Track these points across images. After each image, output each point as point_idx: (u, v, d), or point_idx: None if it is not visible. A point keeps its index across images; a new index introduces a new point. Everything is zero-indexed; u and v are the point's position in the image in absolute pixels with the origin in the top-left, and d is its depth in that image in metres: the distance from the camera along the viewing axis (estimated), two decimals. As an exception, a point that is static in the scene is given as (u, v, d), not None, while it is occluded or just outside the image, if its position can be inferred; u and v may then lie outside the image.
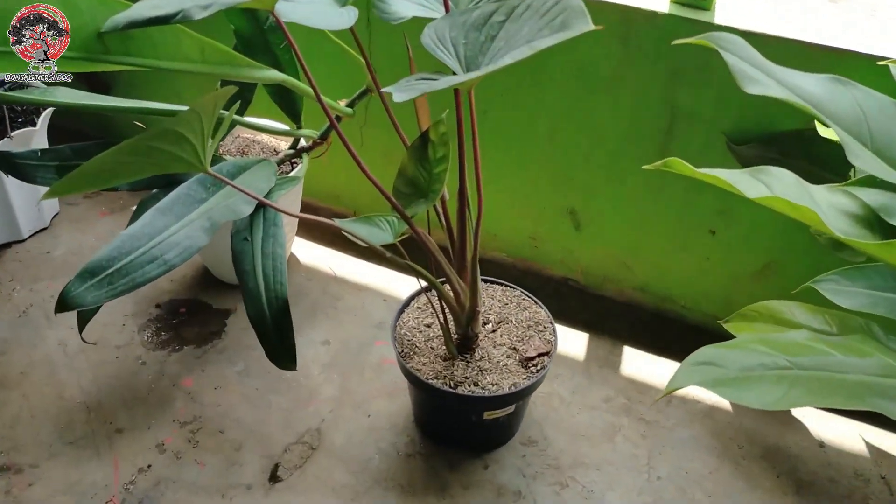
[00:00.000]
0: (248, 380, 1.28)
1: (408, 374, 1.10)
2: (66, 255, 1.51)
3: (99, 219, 1.62)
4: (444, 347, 1.13)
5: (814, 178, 0.77)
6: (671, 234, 1.35)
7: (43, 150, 1.14)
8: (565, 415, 1.25)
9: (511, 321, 1.18)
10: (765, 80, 0.69)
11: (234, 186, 0.95)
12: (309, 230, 1.62)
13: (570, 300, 1.48)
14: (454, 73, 0.79)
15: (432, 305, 1.10)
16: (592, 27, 0.63)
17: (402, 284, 1.50)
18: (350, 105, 1.27)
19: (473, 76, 0.71)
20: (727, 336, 1.43)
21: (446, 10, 0.89)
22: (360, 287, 1.49)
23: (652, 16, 1.14)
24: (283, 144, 1.46)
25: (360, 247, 1.59)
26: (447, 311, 1.10)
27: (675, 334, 1.42)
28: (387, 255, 0.98)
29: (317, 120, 1.31)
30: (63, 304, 0.91)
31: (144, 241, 1.01)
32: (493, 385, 1.07)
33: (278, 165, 1.36)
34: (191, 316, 1.39)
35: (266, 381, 1.27)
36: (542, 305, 1.20)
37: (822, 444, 1.22)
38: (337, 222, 1.02)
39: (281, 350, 1.08)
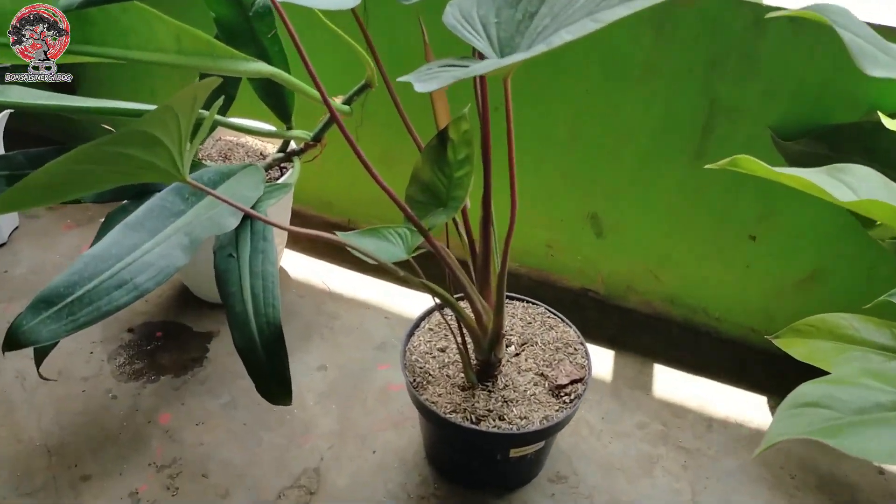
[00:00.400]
0: (234, 413, 1.12)
1: (421, 408, 0.96)
2: (26, 275, 1.35)
3: (63, 233, 1.46)
4: (461, 375, 0.99)
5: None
6: (706, 241, 1.22)
7: (-8, 157, 0.98)
8: (596, 445, 1.11)
9: (537, 343, 1.04)
10: (887, 61, 0.56)
11: (216, 197, 0.80)
12: (299, 240, 1.47)
13: (590, 312, 1.34)
14: (484, 58, 0.65)
15: (449, 328, 0.96)
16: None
17: (405, 300, 1.36)
18: (347, 102, 1.12)
19: (515, 59, 0.57)
20: (767, 350, 1.30)
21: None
22: (358, 303, 1.34)
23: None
24: (271, 147, 1.31)
25: (357, 258, 1.45)
26: (465, 333, 0.96)
27: (710, 349, 1.29)
28: (400, 273, 0.84)
29: (307, 120, 1.17)
30: (12, 341, 0.75)
31: (111, 263, 0.86)
32: (521, 419, 0.93)
33: (266, 171, 1.21)
34: (168, 340, 1.24)
35: (255, 414, 1.12)
36: (570, 324, 1.06)
37: (881, 472, 1.10)
38: (340, 236, 0.87)
39: (273, 384, 0.93)
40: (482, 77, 0.76)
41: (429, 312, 1.08)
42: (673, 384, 1.22)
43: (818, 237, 1.14)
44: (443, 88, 0.84)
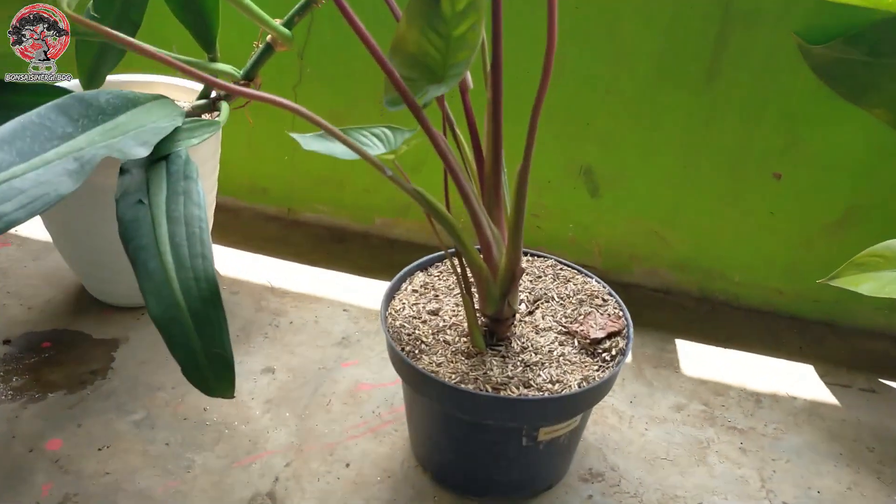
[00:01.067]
0: (152, 433, 0.83)
1: (416, 382, 0.70)
2: None
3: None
4: (463, 339, 0.74)
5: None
6: (722, 186, 1.03)
7: None
8: (631, 434, 0.87)
9: (553, 298, 0.81)
10: None
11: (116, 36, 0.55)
12: (229, 233, 1.21)
13: (589, 293, 1.12)
14: None
15: (454, 270, 0.72)
16: None
17: (367, 291, 1.11)
18: (286, 25, 0.90)
19: None
20: (798, 316, 1.09)
21: None
22: (308, 298, 1.08)
23: None
24: (186, 100, 1.06)
25: (304, 249, 1.20)
26: (470, 277, 0.72)
27: (734, 319, 1.10)
28: (388, 172, 0.60)
29: (233, 55, 0.93)
30: None
31: (-43, 183, 0.59)
32: (552, 383, 0.69)
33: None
34: (60, 352, 0.93)
35: (181, 431, 0.83)
36: (590, 274, 0.84)
37: (967, 435, 0.91)
38: (299, 138, 0.64)
39: (208, 364, 0.67)
40: None
41: (410, 272, 0.84)
42: (703, 359, 1.01)
43: (853, 167, 0.98)
44: None
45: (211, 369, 0.67)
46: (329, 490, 0.77)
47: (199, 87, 1.04)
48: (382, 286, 1.11)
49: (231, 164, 1.13)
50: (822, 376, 1.00)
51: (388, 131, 0.68)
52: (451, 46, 0.60)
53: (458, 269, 0.72)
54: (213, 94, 0.97)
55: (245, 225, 1.25)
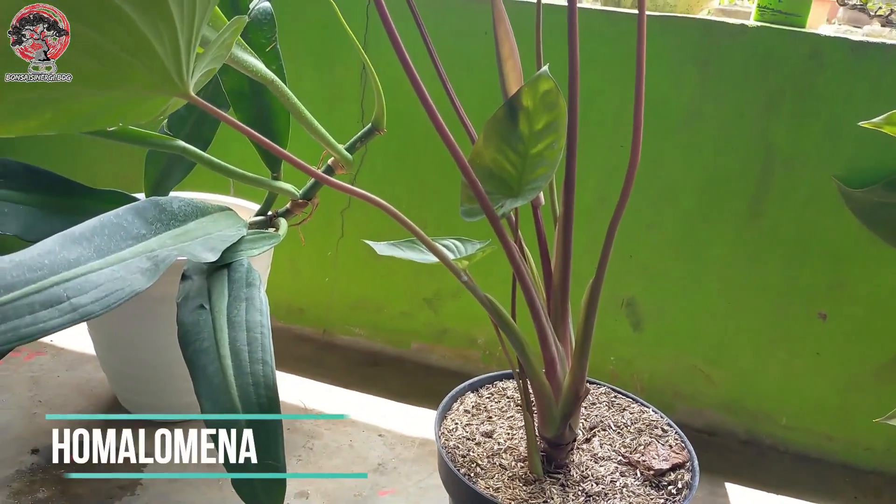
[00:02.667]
0: None
1: (473, 508, 0.67)
2: None
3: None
4: (520, 464, 0.71)
5: None
6: (766, 323, 1.03)
7: None
8: (689, 582, 0.81)
9: (609, 426, 0.78)
10: None
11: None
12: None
13: (630, 430, 1.09)
14: None
15: (519, 385, 0.71)
16: None
17: (403, 417, 1.07)
18: (349, 150, 0.94)
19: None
20: (850, 464, 1.05)
21: None
22: (342, 422, 1.05)
23: (740, 31, 0.93)
24: (244, 214, 1.08)
25: (338, 371, 1.18)
26: (531, 397, 0.70)
27: (782, 465, 1.05)
28: (464, 277, 0.61)
29: (289, 176, 0.97)
30: None
31: (42, 275, 0.60)
32: (618, 516, 0.65)
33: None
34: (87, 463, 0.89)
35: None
36: (646, 403, 0.82)
37: None
38: (374, 246, 0.65)
39: (260, 480, 0.65)
40: (572, 15, 0.60)
41: (461, 392, 0.82)
42: (756, 504, 0.96)
43: (899, 309, 0.98)
44: (514, 45, 0.69)
45: (261, 481, 0.64)
46: None
47: (253, 207, 1.08)
48: (418, 412, 1.09)
49: (271, 283, 1.14)
50: (883, 529, 0.94)
51: (458, 243, 0.69)
52: (527, 163, 0.63)
53: (521, 385, 0.70)
54: (270, 212, 0.99)
55: (280, 344, 1.23)
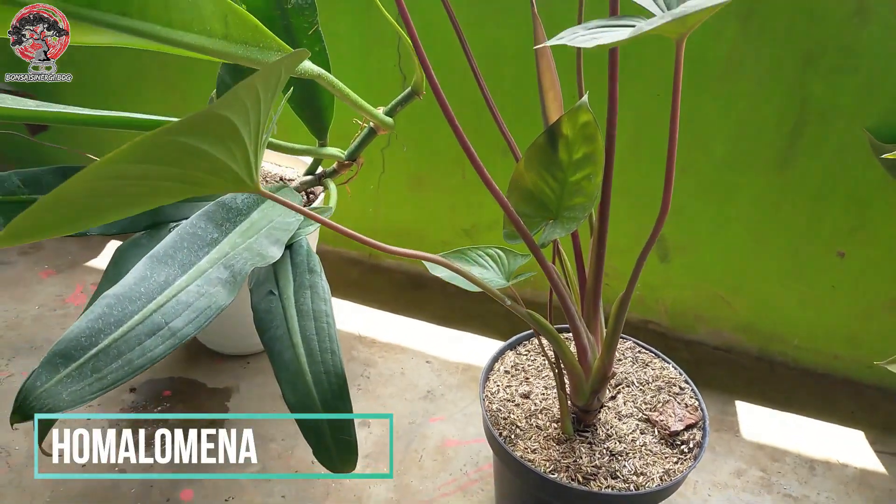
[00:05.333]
0: (268, 485, 0.93)
1: (512, 467, 0.79)
2: (1, 331, 1.14)
3: (41, 280, 1.26)
4: (554, 424, 0.83)
5: None
6: (787, 260, 1.10)
7: (-27, 181, 0.80)
8: (695, 500, 0.96)
9: (633, 383, 0.89)
10: None
11: (301, 210, 0.64)
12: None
13: (654, 346, 1.20)
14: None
15: (549, 363, 0.81)
16: None
17: (447, 341, 1.19)
18: (389, 114, 0.98)
19: (700, 5, 0.43)
20: (853, 380, 1.18)
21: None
22: (394, 348, 1.17)
23: (785, -17, 0.91)
24: (291, 172, 1.15)
25: (386, 296, 1.29)
26: (563, 373, 0.80)
27: (790, 381, 1.16)
28: (507, 303, 0.68)
29: (334, 139, 1.02)
30: (26, 408, 0.57)
31: (141, 304, 0.69)
32: (637, 475, 0.77)
33: (294, 196, 1.05)
34: (178, 401, 1.04)
35: (294, 484, 0.94)
36: (667, 359, 0.92)
37: None
38: (430, 266, 0.72)
39: (335, 448, 0.76)
40: (613, 56, 0.63)
41: (501, 352, 0.92)
42: (761, 423, 1.08)
43: (916, 250, 1.03)
44: (555, 76, 0.71)
45: (337, 452, 0.76)
46: (427, 547, 0.87)
47: (306, 160, 1.13)
48: (461, 337, 1.21)
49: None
50: (872, 444, 1.06)
51: (501, 252, 0.76)
52: (566, 190, 0.68)
53: (557, 373, 0.80)
54: (318, 170, 1.05)
55: (331, 267, 1.34)
